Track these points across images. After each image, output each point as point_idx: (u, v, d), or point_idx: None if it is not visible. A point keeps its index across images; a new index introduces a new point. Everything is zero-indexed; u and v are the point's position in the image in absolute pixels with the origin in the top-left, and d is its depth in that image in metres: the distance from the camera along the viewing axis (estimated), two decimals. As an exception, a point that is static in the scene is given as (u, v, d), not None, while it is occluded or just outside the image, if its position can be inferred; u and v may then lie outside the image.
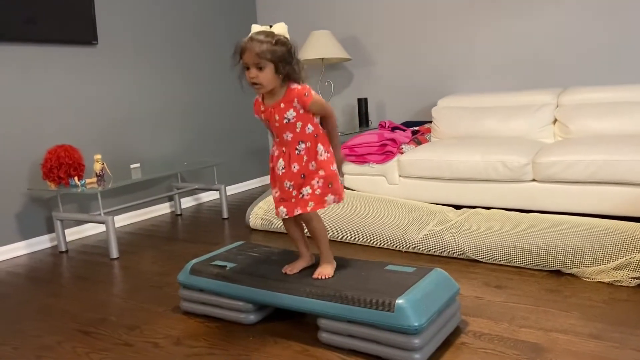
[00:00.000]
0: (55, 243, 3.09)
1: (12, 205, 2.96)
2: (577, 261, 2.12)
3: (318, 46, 3.87)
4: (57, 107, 3.16)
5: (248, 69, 1.69)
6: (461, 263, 2.37)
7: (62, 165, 2.80)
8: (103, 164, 2.97)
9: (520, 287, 2.06)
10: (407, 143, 3.36)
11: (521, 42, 3.57)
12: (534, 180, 2.84)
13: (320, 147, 1.77)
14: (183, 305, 2.01)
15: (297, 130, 1.75)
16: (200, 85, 4.08)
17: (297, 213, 1.78)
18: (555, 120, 3.25)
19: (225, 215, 3.53)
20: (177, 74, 3.89)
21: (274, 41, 1.66)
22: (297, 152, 1.77)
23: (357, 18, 4.13)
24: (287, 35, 1.71)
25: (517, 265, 2.27)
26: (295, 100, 1.72)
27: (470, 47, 3.76)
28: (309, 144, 1.76)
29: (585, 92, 3.21)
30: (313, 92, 1.74)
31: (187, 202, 3.99)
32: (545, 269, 2.21)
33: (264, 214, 3.10)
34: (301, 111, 1.74)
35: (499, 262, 2.31)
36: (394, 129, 3.54)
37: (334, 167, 1.80)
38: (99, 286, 2.39)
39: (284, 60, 1.67)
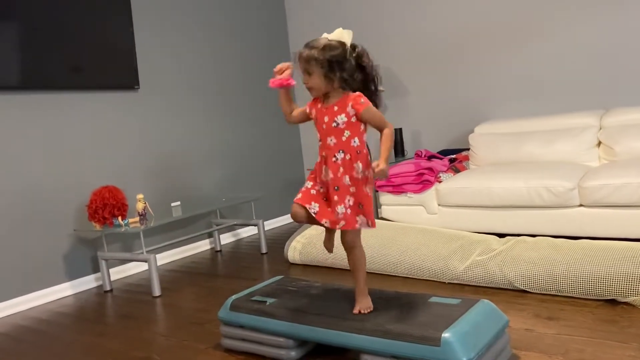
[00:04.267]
0: (100, 283, 3.15)
1: (60, 247, 3.05)
2: (632, 289, 2.01)
3: (351, 79, 3.91)
4: (101, 149, 3.28)
5: (303, 74, 1.73)
6: (508, 294, 2.28)
7: (107, 206, 2.88)
8: (145, 203, 3.04)
9: (573, 318, 1.96)
10: (445, 171, 3.31)
11: (557, 65, 3.51)
12: (581, 205, 2.73)
13: (359, 165, 1.72)
14: (224, 342, 1.99)
15: (343, 138, 1.72)
16: (237, 123, 4.17)
17: (338, 227, 1.73)
18: (599, 143, 3.15)
19: (264, 250, 3.53)
20: (213, 113, 4.00)
21: (321, 46, 1.68)
22: (334, 159, 1.72)
23: (388, 49, 4.17)
24: (346, 40, 1.70)
25: (569, 295, 2.16)
26: (350, 104, 1.70)
27: (505, 72, 3.72)
28: (348, 157, 1.71)
29: (629, 113, 3.11)
30: (369, 103, 1.71)
31: (226, 238, 4.02)
32: (599, 298, 2.09)
33: (302, 247, 3.08)
34: (353, 119, 1.71)
35: (549, 292, 2.21)
36: (430, 157, 3.51)
37: (368, 189, 1.74)
38: (142, 324, 2.41)
39: (334, 65, 1.67)
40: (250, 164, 4.27)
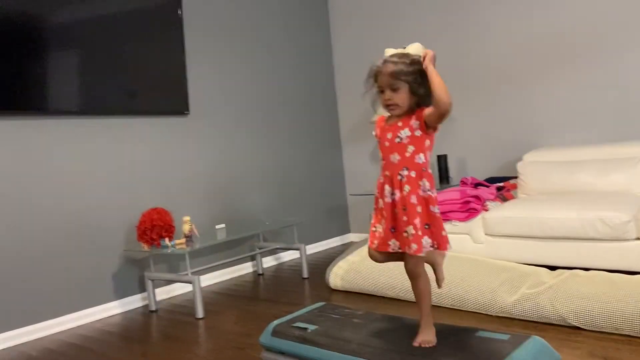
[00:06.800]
0: (146, 302, 3.22)
1: (110, 266, 3.15)
2: (699, 331, 1.87)
3: (396, 106, 3.91)
4: (152, 172, 3.39)
5: (382, 92, 1.67)
6: (560, 330, 2.17)
7: (155, 227, 2.96)
8: (191, 225, 3.10)
9: (631, 359, 1.84)
10: (492, 200, 3.23)
11: (612, 90, 3.39)
12: (638, 238, 2.59)
13: (425, 183, 1.66)
14: (265, 369, 1.98)
15: (407, 154, 1.67)
16: (281, 147, 4.22)
17: (409, 251, 1.64)
18: (658, 173, 3.00)
19: (306, 274, 3.53)
20: (258, 138, 4.07)
21: (408, 61, 1.64)
22: (399, 177, 1.67)
23: (434, 76, 4.15)
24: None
25: (627, 333, 2.04)
26: (413, 118, 1.66)
27: (556, 97, 3.62)
28: (413, 174, 1.66)
29: (691, 141, 2.96)
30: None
31: (268, 262, 4.04)
32: (661, 338, 1.97)
33: (344, 273, 3.06)
34: (417, 132, 1.66)
35: (604, 330, 2.09)
36: (476, 185, 3.43)
37: (436, 209, 1.66)
38: (185, 346, 2.43)
39: (419, 80, 1.63)
40: (294, 187, 4.30)
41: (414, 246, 1.63)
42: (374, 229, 1.78)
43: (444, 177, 3.93)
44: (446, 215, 3.17)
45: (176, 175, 3.52)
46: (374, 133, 1.80)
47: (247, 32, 4.02)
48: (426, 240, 1.64)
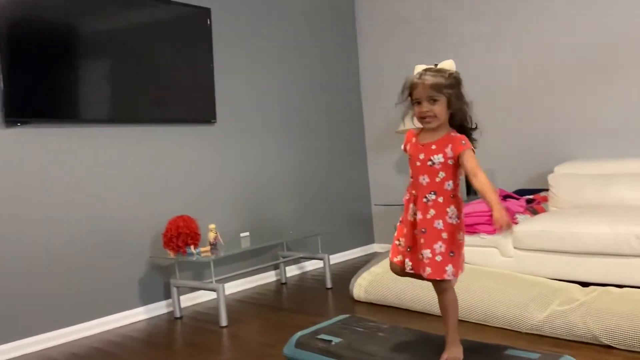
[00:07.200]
0: (171, 309, 3.24)
1: (136, 272, 3.18)
2: None
3: (422, 115, 3.87)
4: (179, 180, 3.43)
5: (419, 103, 1.66)
6: (592, 349, 2.10)
7: (181, 235, 2.98)
8: (216, 233, 3.12)
9: (670, 383, 1.76)
10: (522, 212, 3.16)
11: (647, 103, 3.29)
12: (675, 255, 2.50)
13: (452, 210, 1.65)
14: (288, 380, 1.97)
15: (437, 179, 1.65)
16: (306, 157, 4.22)
17: (423, 274, 1.64)
18: (696, 187, 2.89)
19: (329, 285, 3.50)
20: (284, 147, 4.08)
21: (446, 75, 1.65)
22: (425, 200, 1.66)
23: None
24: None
25: (664, 355, 1.96)
26: (449, 146, 1.64)
27: (587, 108, 3.53)
28: (441, 199, 1.65)
29: None
30: (470, 147, 1.66)
31: (291, 271, 4.03)
32: (701, 362, 1.88)
33: (368, 284, 3.02)
34: (450, 161, 1.64)
35: (636, 350, 2.01)
36: (505, 197, 3.36)
37: (461, 237, 1.67)
38: (208, 355, 2.43)
39: (456, 94, 1.66)
40: (318, 196, 4.29)
41: (428, 270, 1.63)
42: (397, 242, 1.78)
43: (471, 188, 3.87)
44: (474, 228, 3.11)
45: (202, 183, 3.55)
46: (402, 147, 1.80)
47: (274, 41, 4.05)
48: (450, 269, 1.63)
